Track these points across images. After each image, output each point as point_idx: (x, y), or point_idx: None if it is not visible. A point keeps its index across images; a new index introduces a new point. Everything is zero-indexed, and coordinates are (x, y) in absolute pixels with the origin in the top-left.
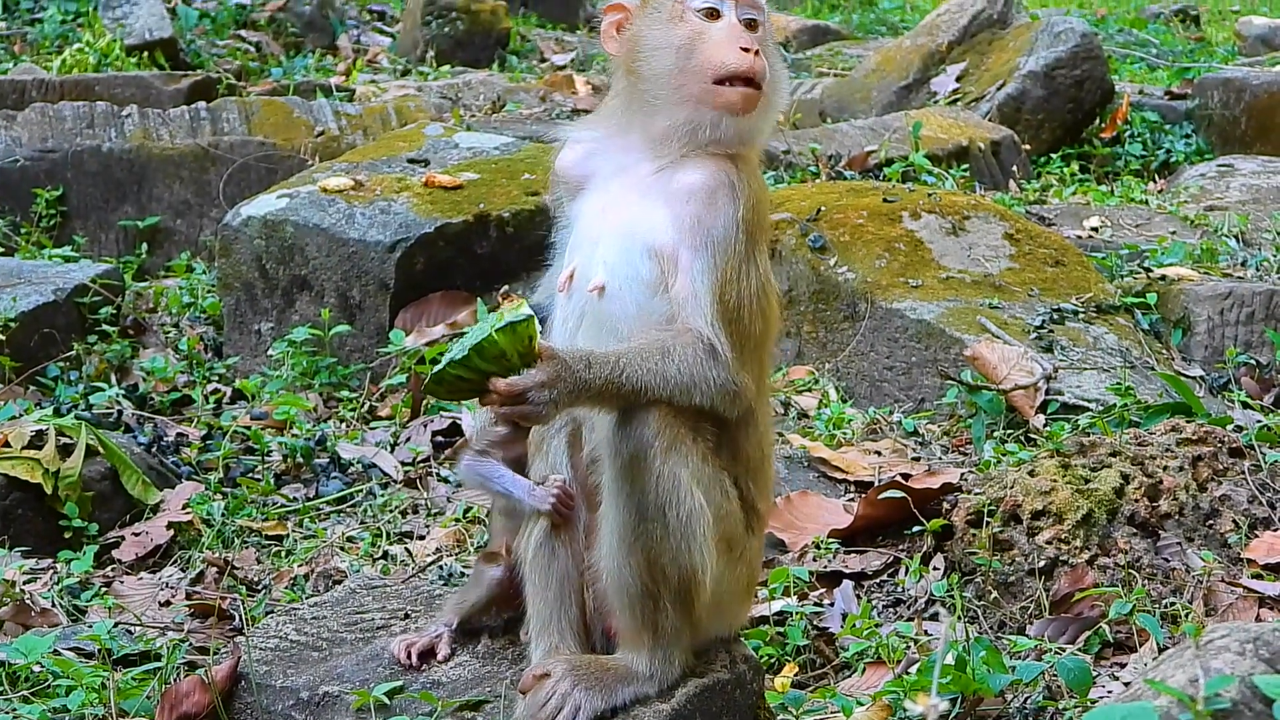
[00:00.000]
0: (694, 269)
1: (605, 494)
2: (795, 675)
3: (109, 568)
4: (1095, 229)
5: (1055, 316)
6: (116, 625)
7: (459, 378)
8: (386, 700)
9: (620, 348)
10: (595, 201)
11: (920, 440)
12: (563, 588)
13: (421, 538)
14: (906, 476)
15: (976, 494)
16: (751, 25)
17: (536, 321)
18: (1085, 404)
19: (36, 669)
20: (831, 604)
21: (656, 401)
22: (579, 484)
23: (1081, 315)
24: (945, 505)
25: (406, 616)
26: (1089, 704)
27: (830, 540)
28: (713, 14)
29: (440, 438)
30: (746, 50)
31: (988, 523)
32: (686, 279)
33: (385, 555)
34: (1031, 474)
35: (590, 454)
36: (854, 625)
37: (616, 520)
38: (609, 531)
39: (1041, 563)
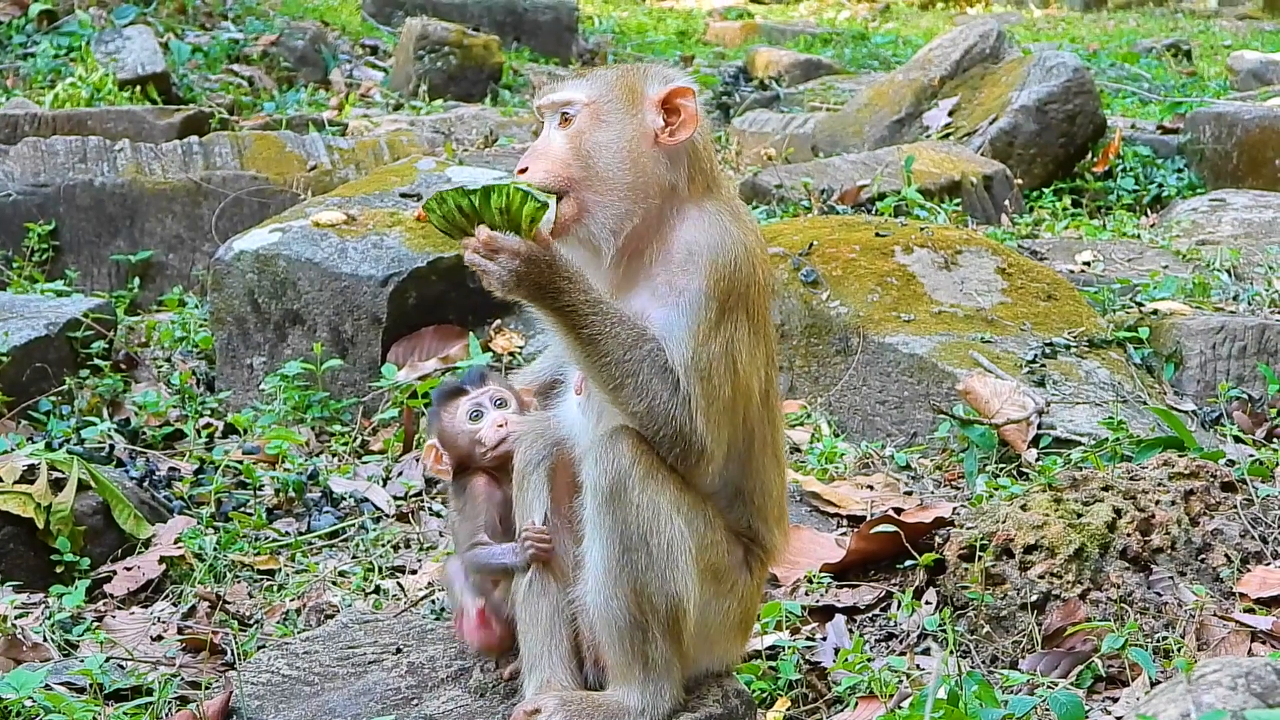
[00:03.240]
0: (665, 321)
1: (588, 528)
2: (787, 710)
3: (100, 602)
4: (1087, 263)
5: (1047, 351)
6: (108, 660)
7: (459, 207)
8: None
9: (613, 303)
10: None
11: (912, 474)
12: (553, 623)
13: (414, 572)
14: (899, 511)
15: (969, 528)
16: (565, 120)
17: (550, 209)
18: (1077, 438)
19: (28, 704)
20: (824, 638)
21: (608, 382)
22: (562, 519)
23: (1074, 349)
24: (937, 539)
25: (399, 651)
26: None
27: (822, 574)
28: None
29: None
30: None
31: (980, 557)
32: (655, 330)
33: (377, 590)
34: (1024, 508)
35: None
36: (846, 659)
37: (600, 553)
38: (594, 565)
39: (1034, 597)
